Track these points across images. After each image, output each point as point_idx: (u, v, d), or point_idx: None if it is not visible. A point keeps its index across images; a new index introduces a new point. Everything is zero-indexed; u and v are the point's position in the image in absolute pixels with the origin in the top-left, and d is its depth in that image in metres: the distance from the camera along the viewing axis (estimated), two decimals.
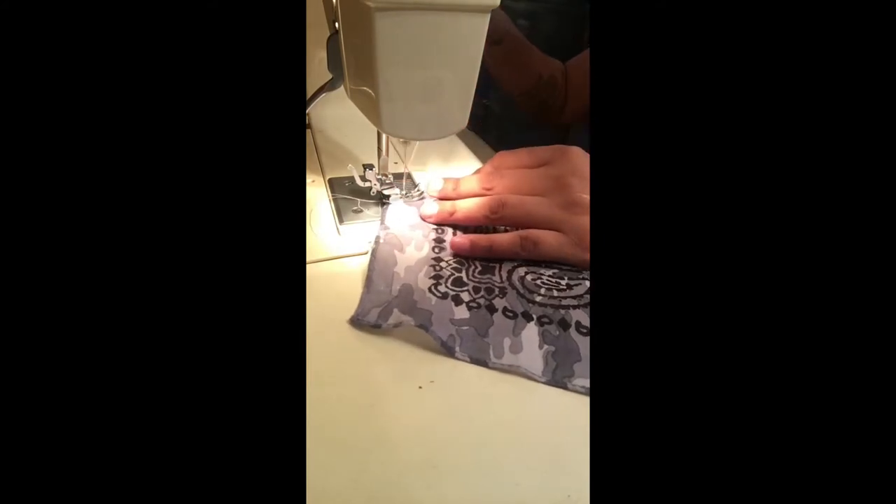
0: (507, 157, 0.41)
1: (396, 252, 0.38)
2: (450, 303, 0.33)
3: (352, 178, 0.46)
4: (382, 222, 0.41)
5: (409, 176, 0.44)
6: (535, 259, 0.37)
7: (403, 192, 0.43)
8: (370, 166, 0.43)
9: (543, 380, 0.28)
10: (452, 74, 0.32)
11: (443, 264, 0.37)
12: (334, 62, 0.38)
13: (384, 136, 0.41)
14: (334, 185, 0.46)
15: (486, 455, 0.24)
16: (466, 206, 0.39)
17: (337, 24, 0.35)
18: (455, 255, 0.38)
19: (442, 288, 0.34)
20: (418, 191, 0.44)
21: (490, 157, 0.42)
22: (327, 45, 0.38)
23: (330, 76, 0.40)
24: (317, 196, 0.46)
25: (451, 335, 0.30)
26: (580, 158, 0.38)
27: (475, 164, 0.53)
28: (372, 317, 0.31)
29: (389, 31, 0.29)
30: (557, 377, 0.28)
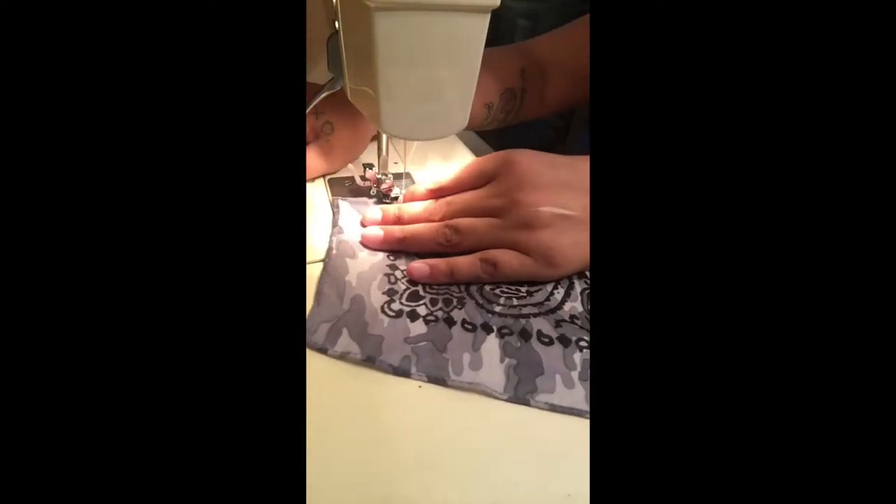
0: (448, 177, 0.38)
1: (349, 259, 0.36)
2: (404, 321, 0.31)
3: (352, 178, 0.46)
4: (335, 226, 0.39)
5: (409, 175, 0.44)
6: (498, 282, 0.35)
7: (403, 192, 0.43)
8: (370, 166, 0.43)
9: (505, 397, 0.27)
10: (452, 74, 0.32)
11: (398, 273, 0.35)
12: (334, 62, 0.38)
13: (384, 136, 0.41)
14: (334, 185, 0.46)
15: (486, 455, 0.24)
16: (416, 233, 0.36)
17: (337, 24, 0.35)
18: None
19: (396, 306, 0.32)
20: None
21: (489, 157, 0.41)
22: (327, 45, 0.38)
23: (330, 76, 0.40)
24: (317, 196, 0.46)
25: (406, 356, 0.29)
26: (528, 163, 0.34)
27: None
28: (320, 336, 0.30)
29: (389, 31, 0.29)
30: (520, 393, 0.27)
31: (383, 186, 0.43)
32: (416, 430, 0.25)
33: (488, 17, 0.30)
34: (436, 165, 0.52)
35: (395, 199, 0.43)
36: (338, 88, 0.41)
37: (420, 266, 0.34)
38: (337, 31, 0.36)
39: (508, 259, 0.33)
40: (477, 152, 0.56)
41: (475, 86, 0.33)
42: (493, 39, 0.34)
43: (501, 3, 0.29)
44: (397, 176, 0.44)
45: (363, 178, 0.44)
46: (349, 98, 0.38)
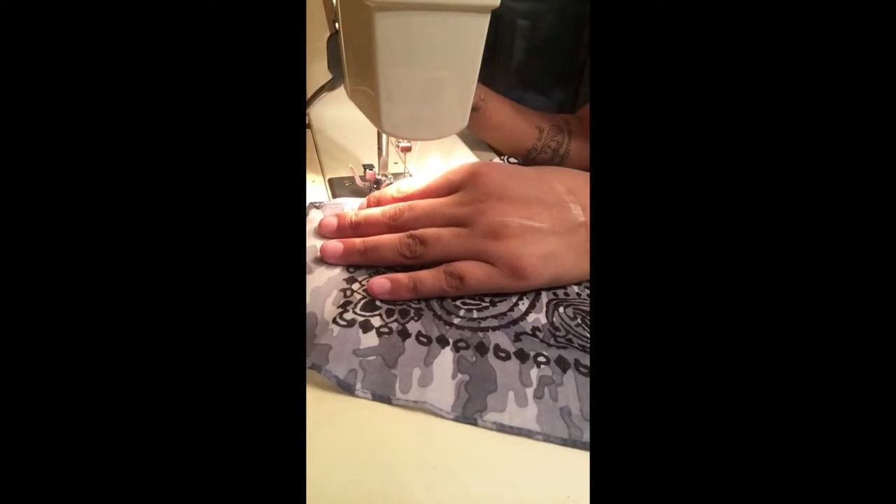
0: (413, 186, 0.37)
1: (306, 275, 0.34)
2: (356, 331, 0.29)
3: (352, 178, 0.46)
4: None
5: (410, 175, 0.44)
6: (464, 295, 0.33)
7: None
8: (370, 166, 0.44)
9: (451, 416, 0.26)
10: (452, 74, 0.32)
11: (355, 286, 0.33)
12: (334, 62, 0.38)
13: (384, 136, 0.41)
14: (334, 185, 0.46)
15: (486, 455, 0.24)
16: (378, 244, 0.34)
17: (337, 24, 0.35)
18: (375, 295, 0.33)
19: (348, 315, 0.30)
20: None
21: (489, 158, 0.41)
22: (327, 45, 0.38)
23: (330, 76, 0.40)
24: (317, 196, 0.46)
25: (353, 370, 0.27)
26: (495, 176, 0.34)
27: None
28: None
29: (389, 31, 0.29)
30: (468, 412, 0.26)
31: (383, 186, 0.43)
32: (416, 429, 0.25)
33: (488, 17, 0.30)
34: (436, 166, 0.52)
35: None
36: (338, 88, 0.41)
37: (381, 282, 0.32)
38: (337, 31, 0.36)
39: (474, 270, 0.32)
40: (477, 153, 0.56)
41: (475, 86, 0.33)
42: (494, 39, 0.34)
43: (501, 3, 0.29)
44: (397, 176, 0.44)
45: (363, 178, 0.44)
46: (349, 98, 0.38)
